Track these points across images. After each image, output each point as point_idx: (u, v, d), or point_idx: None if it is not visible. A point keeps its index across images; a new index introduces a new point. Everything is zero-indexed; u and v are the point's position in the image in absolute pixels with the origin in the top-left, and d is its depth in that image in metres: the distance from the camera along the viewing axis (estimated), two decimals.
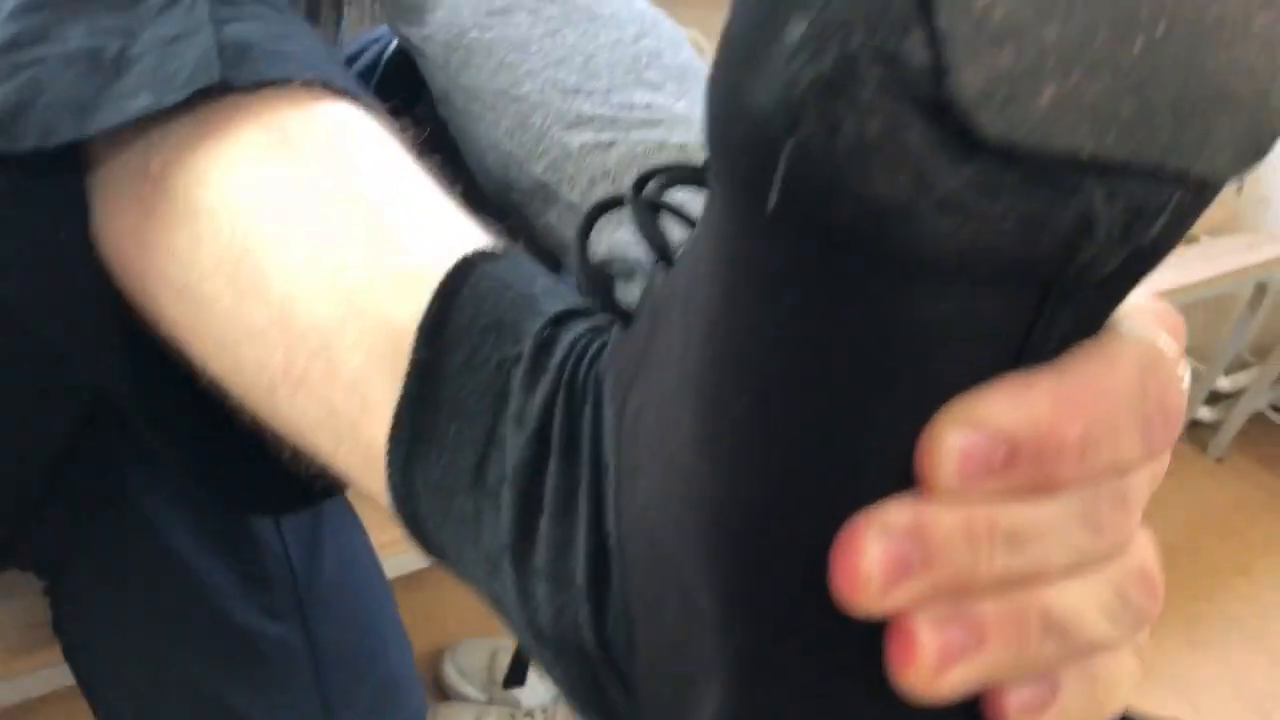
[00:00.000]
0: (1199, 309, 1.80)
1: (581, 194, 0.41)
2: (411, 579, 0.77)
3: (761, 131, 0.16)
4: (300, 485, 0.39)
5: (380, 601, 0.61)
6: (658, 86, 0.41)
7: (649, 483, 0.23)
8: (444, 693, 1.12)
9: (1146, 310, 0.22)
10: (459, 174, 0.45)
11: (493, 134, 0.44)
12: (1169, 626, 1.49)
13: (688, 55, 0.44)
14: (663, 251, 0.24)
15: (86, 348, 0.37)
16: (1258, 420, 1.90)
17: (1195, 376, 1.82)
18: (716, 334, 0.20)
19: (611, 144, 0.40)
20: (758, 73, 0.16)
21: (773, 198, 0.17)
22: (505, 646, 1.13)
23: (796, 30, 0.16)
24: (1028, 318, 0.19)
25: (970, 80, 0.15)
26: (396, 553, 0.71)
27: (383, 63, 0.66)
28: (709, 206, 0.20)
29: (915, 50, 0.15)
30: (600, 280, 0.26)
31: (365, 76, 0.71)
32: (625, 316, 0.25)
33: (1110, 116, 0.16)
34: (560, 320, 0.27)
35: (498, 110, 0.44)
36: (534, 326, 0.27)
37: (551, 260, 0.43)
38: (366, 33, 0.71)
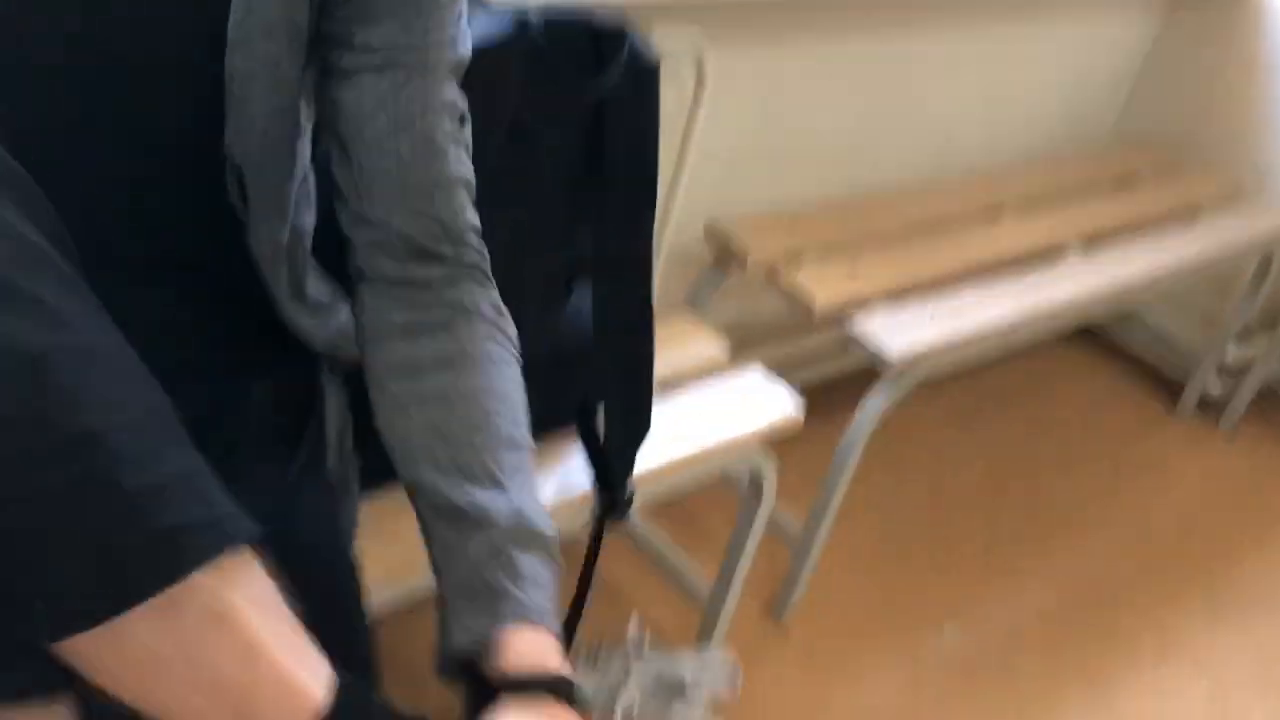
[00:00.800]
0: (1205, 284, 1.81)
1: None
2: None
3: None
4: None
5: None
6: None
7: None
8: None
9: None
10: None
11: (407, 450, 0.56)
12: (1187, 602, 1.50)
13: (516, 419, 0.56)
14: None
15: None
16: (1268, 393, 1.90)
17: (1204, 349, 1.82)
18: None
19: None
20: None
21: None
22: None
23: None
24: None
25: None
26: None
27: None
28: None
29: None
30: None
31: None
32: None
33: None
34: None
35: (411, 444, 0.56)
36: None
37: None
38: None
